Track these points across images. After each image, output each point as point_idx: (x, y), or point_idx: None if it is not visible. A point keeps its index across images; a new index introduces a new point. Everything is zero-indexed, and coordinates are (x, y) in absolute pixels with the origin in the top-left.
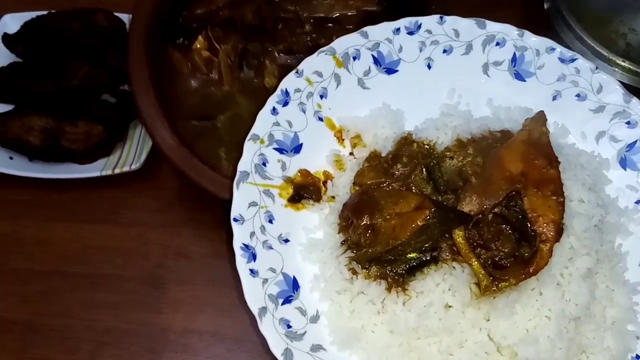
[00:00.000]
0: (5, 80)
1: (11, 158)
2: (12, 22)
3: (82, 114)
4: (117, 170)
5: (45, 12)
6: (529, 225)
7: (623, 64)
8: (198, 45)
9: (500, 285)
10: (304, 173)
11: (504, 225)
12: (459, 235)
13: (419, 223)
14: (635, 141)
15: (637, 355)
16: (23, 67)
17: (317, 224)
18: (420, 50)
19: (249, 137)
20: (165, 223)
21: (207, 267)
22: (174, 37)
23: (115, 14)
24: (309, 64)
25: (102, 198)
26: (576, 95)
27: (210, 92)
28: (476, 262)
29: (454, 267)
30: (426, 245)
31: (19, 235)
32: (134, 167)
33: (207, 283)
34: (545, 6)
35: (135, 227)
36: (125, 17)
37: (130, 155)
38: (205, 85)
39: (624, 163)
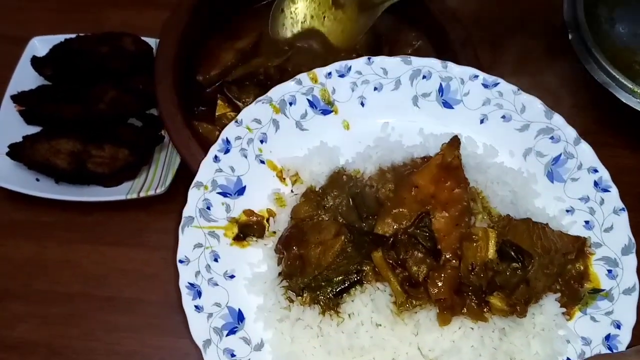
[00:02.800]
0: (34, 104)
1: (38, 180)
2: (41, 45)
3: (109, 138)
4: (142, 194)
5: (73, 36)
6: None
7: None
8: (221, 111)
9: (414, 302)
10: (248, 212)
11: (418, 246)
12: (376, 256)
13: (337, 248)
14: (560, 154)
15: (567, 358)
16: (51, 90)
17: (261, 259)
18: (353, 90)
19: (192, 185)
20: None
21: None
22: (193, 108)
23: (143, 38)
24: (247, 114)
25: (126, 221)
26: (502, 117)
27: None
28: (393, 280)
29: (378, 288)
30: (350, 268)
31: (43, 257)
32: (159, 191)
33: None
34: (570, 37)
35: (160, 250)
36: (152, 42)
37: (156, 179)
38: None
39: (550, 176)
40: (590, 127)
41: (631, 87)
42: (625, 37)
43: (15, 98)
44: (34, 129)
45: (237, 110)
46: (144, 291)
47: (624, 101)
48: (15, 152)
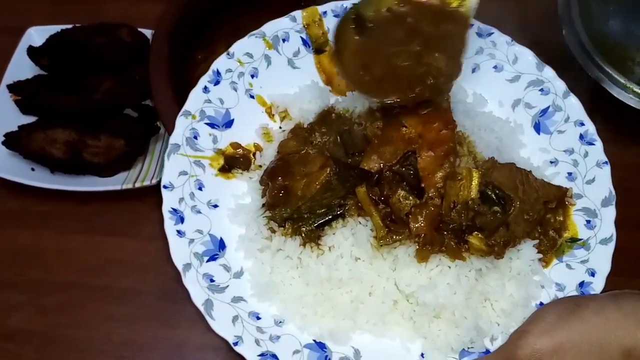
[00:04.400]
0: (30, 93)
1: (33, 169)
2: (38, 35)
3: (105, 128)
4: (137, 184)
5: (70, 26)
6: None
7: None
8: None
9: (394, 237)
10: (235, 145)
11: (403, 184)
12: (360, 191)
13: (322, 180)
14: (548, 107)
15: (540, 302)
16: (47, 80)
17: (245, 191)
18: None
19: (180, 113)
20: None
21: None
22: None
23: (139, 29)
24: (239, 47)
25: (122, 211)
26: (493, 67)
27: None
28: (375, 215)
29: (359, 222)
30: (333, 202)
31: (38, 246)
32: (154, 181)
33: None
34: (564, 32)
35: (154, 241)
36: (148, 33)
37: (151, 170)
38: None
39: (537, 127)
40: None
41: (624, 82)
42: (618, 34)
43: (11, 87)
44: (29, 119)
45: None
46: (139, 281)
47: (617, 96)
48: (11, 141)
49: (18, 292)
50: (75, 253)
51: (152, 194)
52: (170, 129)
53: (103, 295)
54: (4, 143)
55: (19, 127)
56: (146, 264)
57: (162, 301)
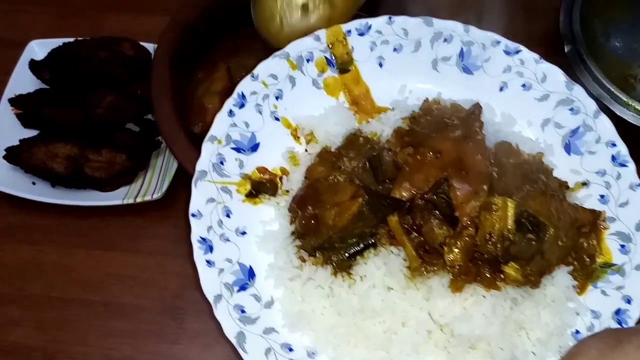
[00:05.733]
0: (32, 107)
1: (34, 183)
2: (39, 49)
3: (106, 143)
4: (139, 199)
5: (72, 40)
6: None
7: None
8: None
9: (428, 268)
10: (261, 170)
11: (435, 211)
12: (392, 220)
13: (354, 210)
14: (578, 127)
15: (577, 330)
16: (49, 94)
17: (273, 217)
18: (372, 50)
19: (206, 138)
20: (184, 253)
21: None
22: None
23: (141, 43)
24: (264, 68)
25: (122, 226)
26: (522, 85)
27: None
28: (408, 245)
29: (392, 252)
30: (365, 231)
31: (38, 261)
32: (155, 196)
33: None
34: (566, 49)
35: (155, 256)
36: (150, 47)
37: (152, 185)
38: None
39: (568, 148)
40: None
41: (625, 99)
42: (620, 51)
43: (13, 101)
44: (30, 133)
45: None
46: (139, 297)
47: (618, 113)
48: (12, 155)
49: (18, 307)
50: (76, 268)
51: (153, 209)
52: (174, 150)
53: (103, 310)
54: (5, 157)
55: (20, 141)
56: (147, 280)
57: (163, 317)
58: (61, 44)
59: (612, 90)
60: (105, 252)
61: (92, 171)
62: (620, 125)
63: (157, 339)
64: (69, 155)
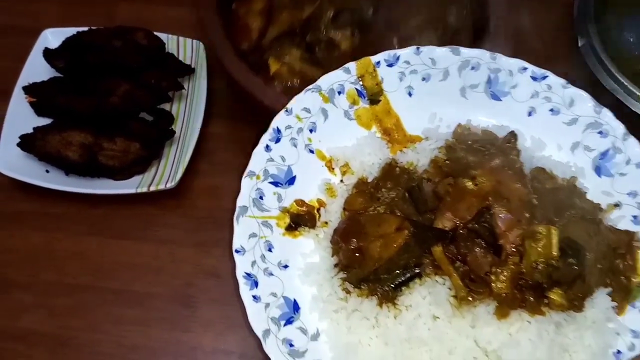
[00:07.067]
0: (46, 95)
1: (47, 171)
2: (53, 38)
3: (120, 131)
4: (152, 188)
5: (86, 29)
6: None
7: None
8: (274, 68)
9: (475, 296)
10: (299, 202)
11: (478, 240)
12: (437, 251)
13: (400, 242)
14: (608, 149)
15: (618, 350)
16: (63, 83)
17: (313, 249)
18: (400, 80)
19: (245, 174)
20: (196, 242)
21: (238, 287)
22: None
23: (155, 32)
24: (297, 103)
25: (135, 215)
26: (550, 110)
27: None
28: (455, 275)
29: (437, 281)
30: (410, 261)
31: (51, 248)
32: (169, 185)
33: (237, 304)
34: (580, 44)
35: (167, 245)
36: (164, 37)
37: (166, 174)
38: None
39: (598, 171)
40: None
41: (639, 94)
42: (634, 45)
43: (27, 89)
44: (44, 121)
45: (288, 65)
46: (151, 285)
47: (632, 108)
48: (26, 143)
49: (30, 294)
50: (88, 255)
51: (166, 198)
52: (225, 62)
53: (115, 298)
54: (19, 145)
55: (34, 129)
56: (159, 268)
57: (175, 305)
58: (75, 33)
59: (626, 84)
60: (117, 240)
61: (106, 159)
62: (634, 119)
63: (169, 326)
64: (83, 144)
